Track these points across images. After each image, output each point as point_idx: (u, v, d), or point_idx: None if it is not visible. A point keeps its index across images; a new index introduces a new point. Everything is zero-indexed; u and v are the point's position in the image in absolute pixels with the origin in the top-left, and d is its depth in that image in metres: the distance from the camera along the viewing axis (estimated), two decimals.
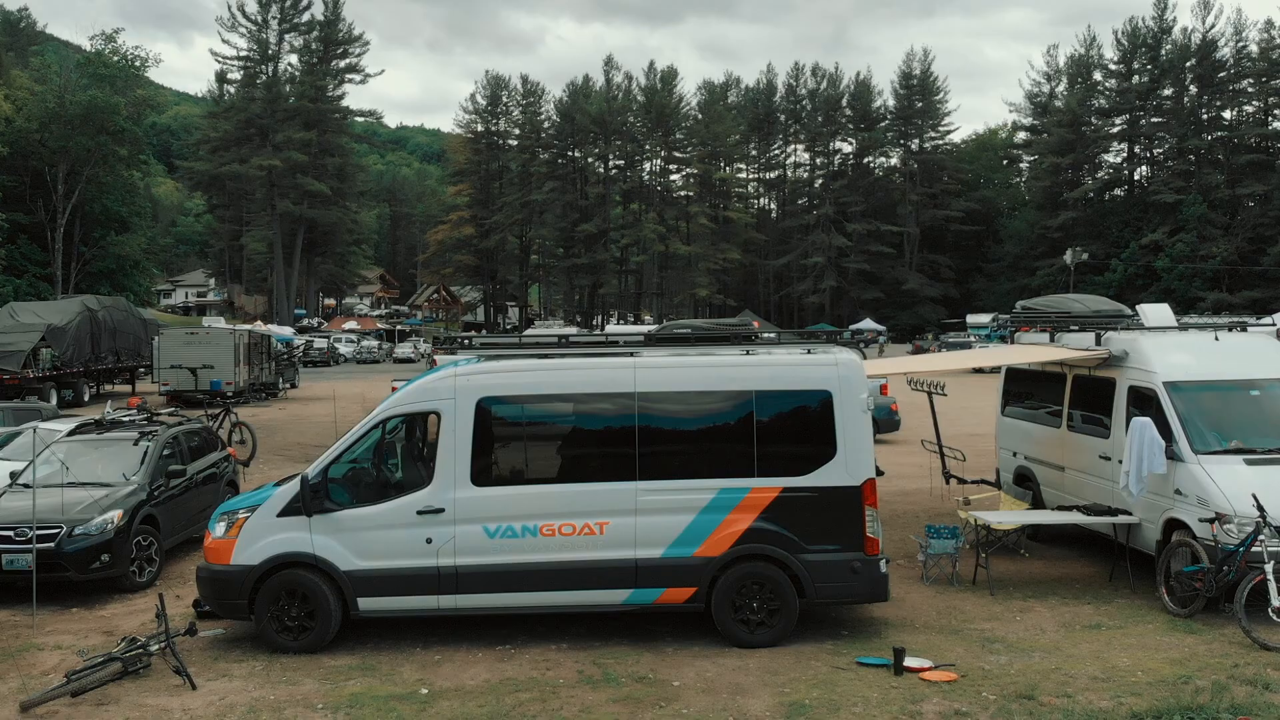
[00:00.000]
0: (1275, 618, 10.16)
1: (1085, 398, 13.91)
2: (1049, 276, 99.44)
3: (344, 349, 76.54)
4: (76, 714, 8.81)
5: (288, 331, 74.75)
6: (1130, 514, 12.46)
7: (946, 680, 9.28)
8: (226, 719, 8.66)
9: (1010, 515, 13.04)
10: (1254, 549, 10.55)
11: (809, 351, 10.67)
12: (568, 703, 8.86)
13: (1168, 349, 12.70)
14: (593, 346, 10.82)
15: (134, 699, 9.13)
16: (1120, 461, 12.58)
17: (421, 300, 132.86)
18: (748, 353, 10.70)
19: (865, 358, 11.17)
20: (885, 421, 27.31)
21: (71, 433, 15.09)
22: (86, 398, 39.73)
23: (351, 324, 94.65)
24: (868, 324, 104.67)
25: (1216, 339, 12.87)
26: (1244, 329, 13.50)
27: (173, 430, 15.14)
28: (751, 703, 8.83)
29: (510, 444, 10.64)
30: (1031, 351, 14.10)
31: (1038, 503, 14.89)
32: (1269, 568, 10.29)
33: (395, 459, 10.80)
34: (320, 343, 74.02)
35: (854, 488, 10.38)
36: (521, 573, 10.30)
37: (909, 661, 9.61)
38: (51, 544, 12.36)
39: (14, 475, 14.22)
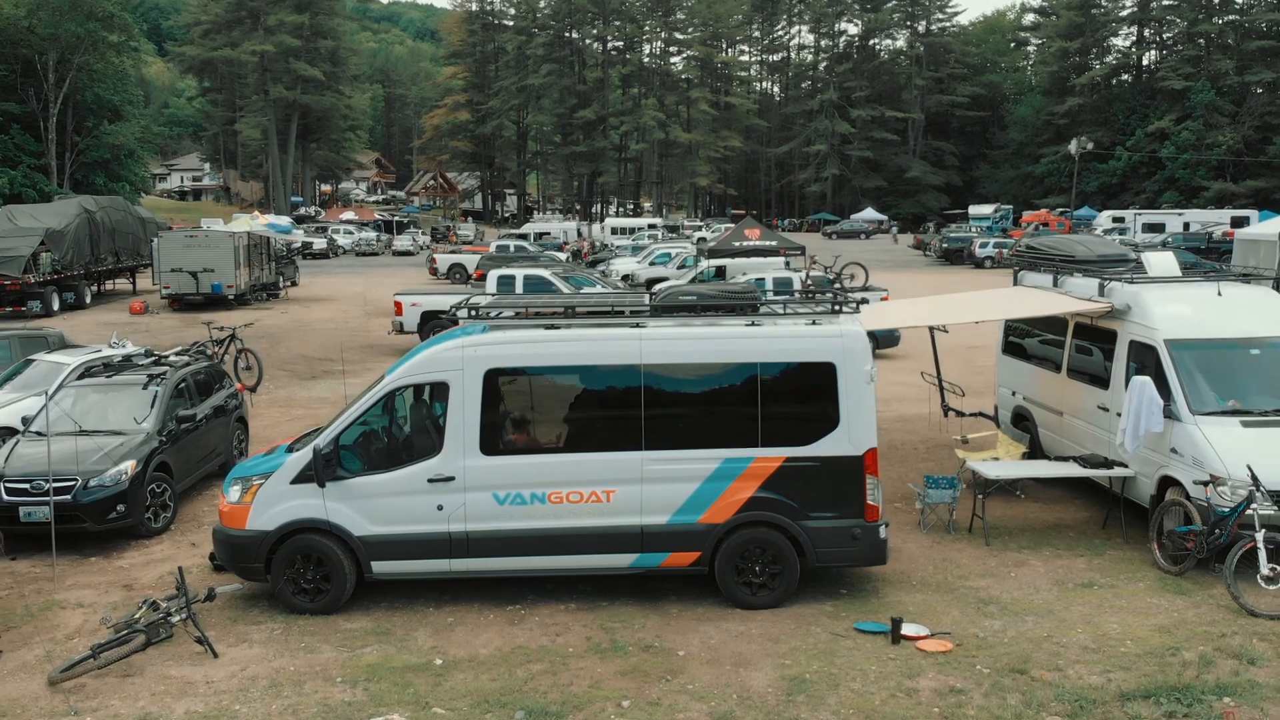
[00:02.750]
0: (1264, 584, 10.46)
1: (1086, 345, 14.02)
2: (1053, 164, 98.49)
3: (342, 240, 76.09)
4: (103, 686, 9.15)
5: (285, 222, 74.34)
6: (1126, 467, 12.69)
7: (942, 650, 9.61)
8: (249, 692, 9.00)
9: (1007, 468, 13.26)
10: (1246, 513, 10.78)
11: (813, 323, 10.72)
12: (578, 675, 9.19)
13: (1170, 304, 12.74)
14: (599, 317, 10.85)
15: (158, 669, 9.48)
16: (1119, 415, 12.77)
17: (418, 188, 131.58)
18: (753, 324, 10.75)
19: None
20: (885, 338, 27.49)
21: (81, 376, 15.20)
22: (88, 299, 39.87)
23: (349, 214, 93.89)
24: (869, 213, 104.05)
25: (1219, 294, 12.89)
26: (1247, 278, 13.51)
27: (180, 372, 15.26)
28: (754, 676, 9.17)
29: (518, 414, 10.79)
30: (1035, 304, 14.13)
31: (1034, 445, 15.13)
32: (1260, 535, 10.54)
33: (406, 427, 10.94)
34: (319, 243, 73.54)
35: (856, 457, 10.57)
36: (531, 538, 10.56)
37: (906, 630, 9.93)
38: (68, 496, 12.62)
39: (25, 420, 14.39)
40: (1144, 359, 12.66)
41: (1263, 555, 10.51)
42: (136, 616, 10.17)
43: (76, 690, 9.09)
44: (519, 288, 28.16)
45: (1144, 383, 12.10)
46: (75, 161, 70.54)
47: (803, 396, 10.63)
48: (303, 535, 10.59)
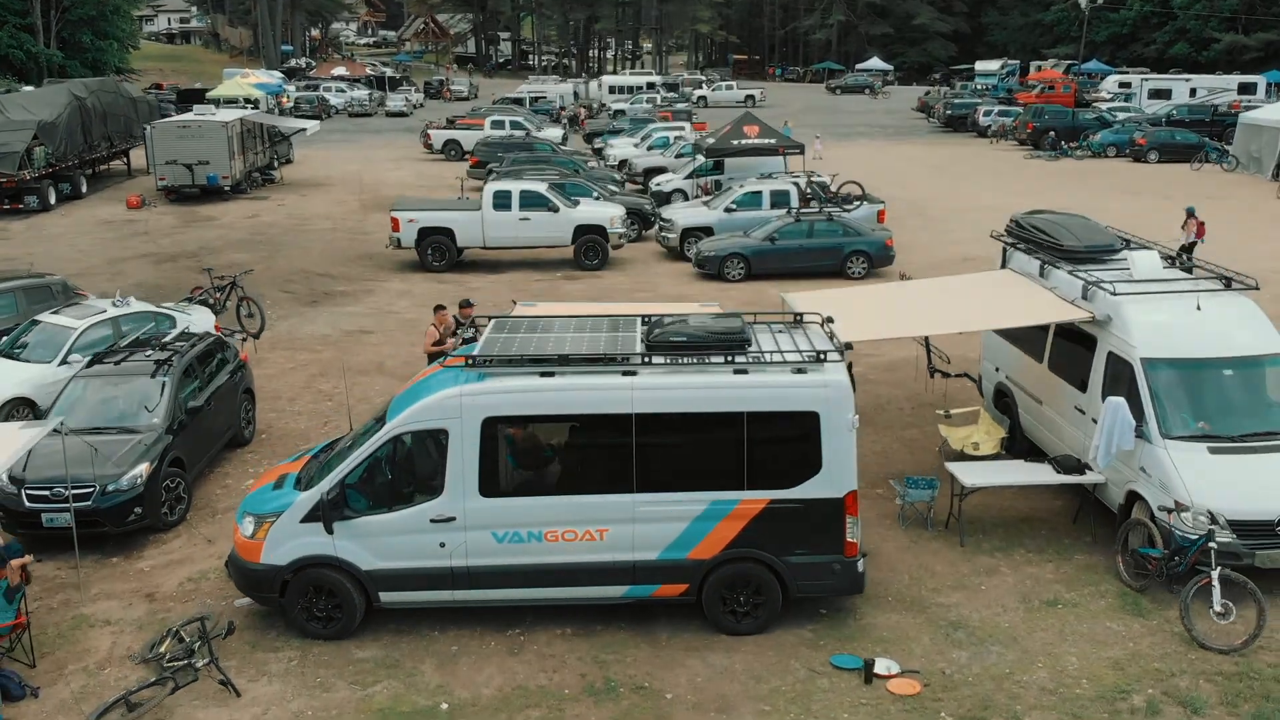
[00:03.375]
0: (1216, 619, 11.18)
1: (1068, 343, 14.37)
2: (1063, 12, 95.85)
3: (334, 100, 74.81)
4: None
5: (275, 81, 72.95)
6: (1099, 474, 13.26)
7: (910, 694, 10.39)
8: None
9: (984, 474, 13.71)
10: (1206, 547, 11.41)
11: (799, 371, 11.09)
12: None
13: (1149, 319, 13.04)
14: (592, 364, 11.18)
15: (186, 711, 10.26)
16: (1094, 421, 13.27)
17: (409, 34, 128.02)
18: (741, 372, 11.12)
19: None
20: (879, 256, 27.72)
21: (90, 363, 15.56)
22: (84, 189, 39.83)
23: (340, 70, 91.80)
24: (875, 63, 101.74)
25: (1198, 307, 13.17)
26: (1228, 285, 13.75)
27: (186, 358, 15.62)
28: None
29: (515, 458, 11.27)
30: (1019, 308, 14.39)
31: (1014, 428, 15.68)
32: (1215, 573, 11.20)
33: (408, 470, 11.42)
34: (309, 94, 72.32)
35: (837, 499, 11.13)
36: (528, 571, 11.24)
37: (878, 668, 10.69)
38: (88, 501, 13.26)
39: (33, 407, 14.84)
40: (1121, 372, 13.07)
41: (1216, 592, 11.19)
42: (162, 650, 10.94)
43: None
44: (514, 204, 28.25)
45: (1119, 404, 12.55)
46: (61, 19, 68.83)
47: (787, 443, 11.10)
48: (314, 569, 11.25)
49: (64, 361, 17.66)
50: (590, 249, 28.81)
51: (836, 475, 11.08)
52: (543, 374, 11.11)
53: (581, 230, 28.77)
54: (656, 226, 31.16)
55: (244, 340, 20.94)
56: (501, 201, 28.52)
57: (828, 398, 10.99)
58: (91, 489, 13.32)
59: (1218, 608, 11.17)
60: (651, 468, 11.08)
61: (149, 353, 15.63)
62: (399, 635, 11.49)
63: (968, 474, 13.58)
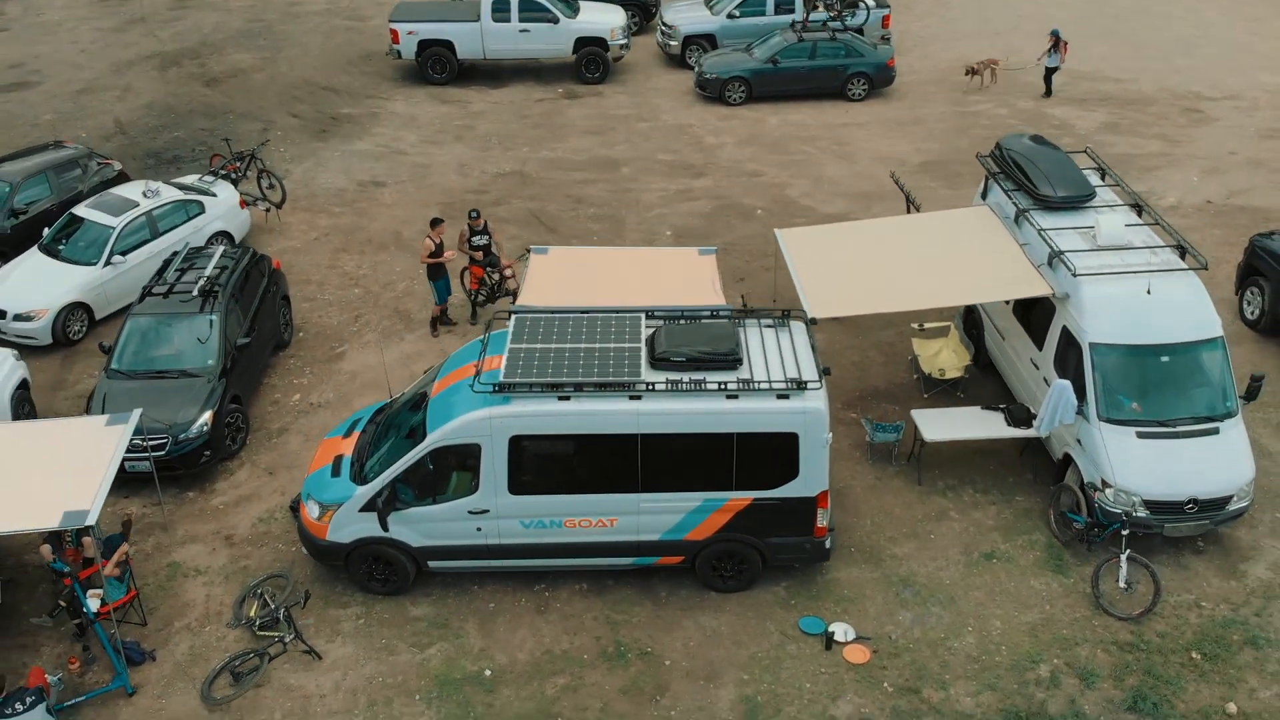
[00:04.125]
0: (1121, 591, 13.54)
1: (1031, 299, 15.80)
2: None
3: None
4: (244, 703, 12.51)
5: None
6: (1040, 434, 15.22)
7: (861, 662, 12.91)
8: (353, 713, 12.39)
9: (944, 429, 15.46)
10: (1121, 533, 13.60)
11: (783, 396, 12.77)
12: (591, 695, 12.53)
13: (1101, 306, 14.47)
14: (602, 390, 12.82)
15: (281, 678, 12.80)
16: (1045, 380, 15.10)
17: None
18: (733, 397, 12.80)
19: None
20: (879, 78, 28.06)
21: (141, 298, 16.97)
22: None
23: None
24: None
25: (1149, 292, 14.58)
26: (1182, 252, 15.07)
27: (228, 292, 16.98)
28: (720, 695, 12.53)
29: (537, 465, 13.16)
30: (988, 285, 15.62)
31: (979, 356, 17.43)
32: (1124, 556, 13.46)
33: (448, 473, 13.31)
34: None
35: (810, 498, 13.18)
36: (550, 546, 13.49)
37: (836, 633, 13.15)
38: (162, 451, 15.27)
39: (104, 348, 16.47)
40: (1071, 348, 14.70)
41: (1123, 571, 13.50)
42: (251, 615, 13.38)
43: (223, 702, 12.47)
44: (514, 14, 28.19)
45: (1065, 387, 14.31)
46: None
47: (770, 454, 12.98)
48: (372, 545, 13.47)
49: (108, 262, 19.10)
50: (591, 61, 29.00)
51: (811, 480, 13.06)
52: (560, 398, 12.82)
53: (582, 42, 28.84)
54: (659, 31, 30.99)
55: (267, 210, 22.17)
56: (501, 12, 28.42)
57: (805, 421, 12.77)
58: (165, 440, 15.29)
59: (1122, 584, 13.52)
60: (653, 472, 13.03)
61: (196, 286, 16.92)
62: (446, 592, 13.89)
63: (929, 426, 15.50)
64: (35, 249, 19.60)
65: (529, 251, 16.74)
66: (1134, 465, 13.87)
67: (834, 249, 16.46)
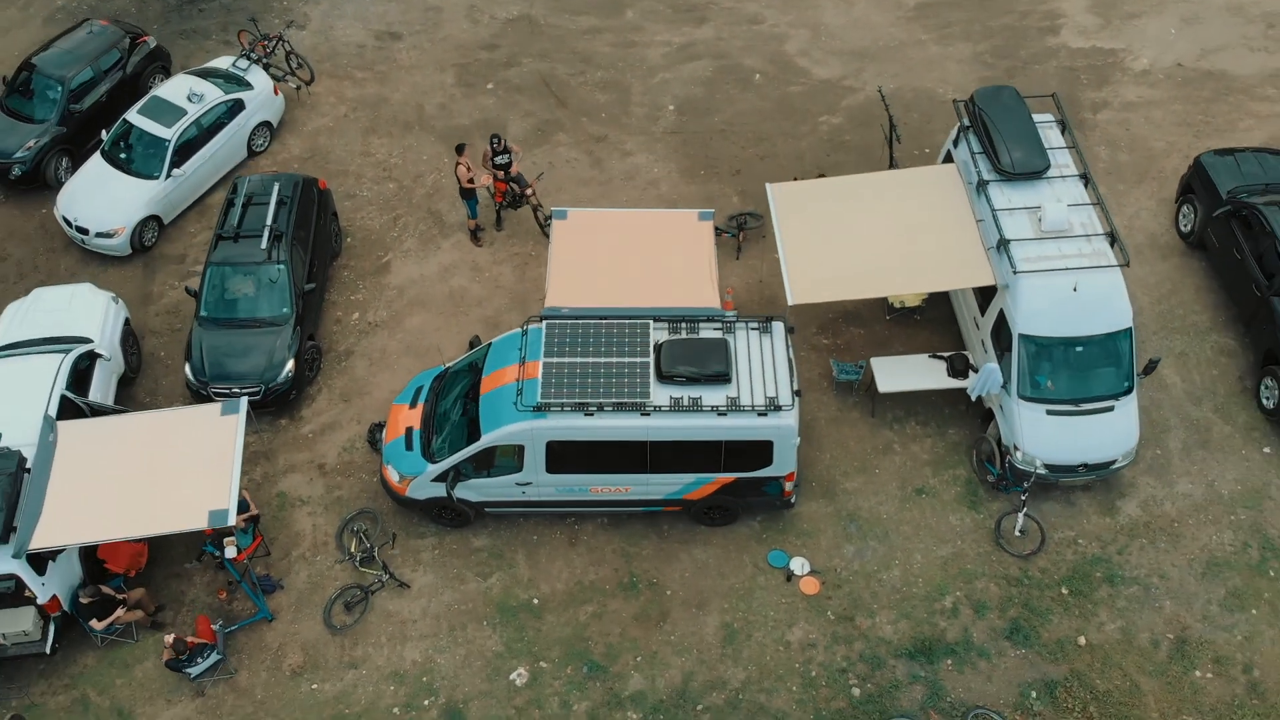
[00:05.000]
0: (1018, 535, 17.65)
1: None
2: None
3: None
4: (359, 629, 17.01)
5: None
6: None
7: (812, 594, 17.28)
8: (439, 638, 16.88)
9: (897, 380, 18.76)
10: (1021, 497, 17.49)
11: (761, 414, 16.15)
12: (612, 622, 17.00)
13: (1033, 302, 17.33)
14: (620, 409, 16.14)
15: (381, 605, 17.21)
16: (983, 343, 18.37)
17: None
18: (723, 415, 16.18)
19: None
20: None
21: (214, 244, 19.53)
22: None
23: None
24: None
25: (1075, 289, 17.40)
26: (1113, 241, 17.72)
27: (290, 233, 19.53)
28: (707, 621, 17.02)
29: (568, 457, 16.73)
30: (941, 277, 18.18)
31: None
32: (1020, 514, 17.45)
33: (499, 458, 16.88)
34: None
35: (780, 476, 16.96)
36: (579, 501, 17.49)
37: (794, 568, 17.43)
38: (257, 396, 18.73)
39: (190, 290, 19.35)
40: (1004, 327, 17.77)
41: (1019, 522, 17.54)
42: (353, 551, 17.57)
43: (342, 630, 16.96)
44: None
45: (993, 369, 17.58)
46: None
47: (750, 452, 16.58)
48: (442, 500, 17.40)
49: (169, 175, 21.40)
50: None
51: (782, 465, 16.78)
52: (585, 414, 16.21)
53: None
54: None
55: (298, 87, 23.86)
56: None
57: (779, 432, 16.29)
58: (258, 388, 18.71)
59: (1018, 531, 17.63)
60: (658, 461, 16.70)
61: (263, 237, 19.43)
62: (499, 526, 18.00)
63: (884, 378, 18.83)
64: (99, 157, 21.70)
65: (550, 220, 19.18)
66: (1041, 437, 17.48)
67: (817, 214, 18.78)
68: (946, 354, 19.09)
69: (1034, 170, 18.53)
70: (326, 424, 19.34)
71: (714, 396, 16.35)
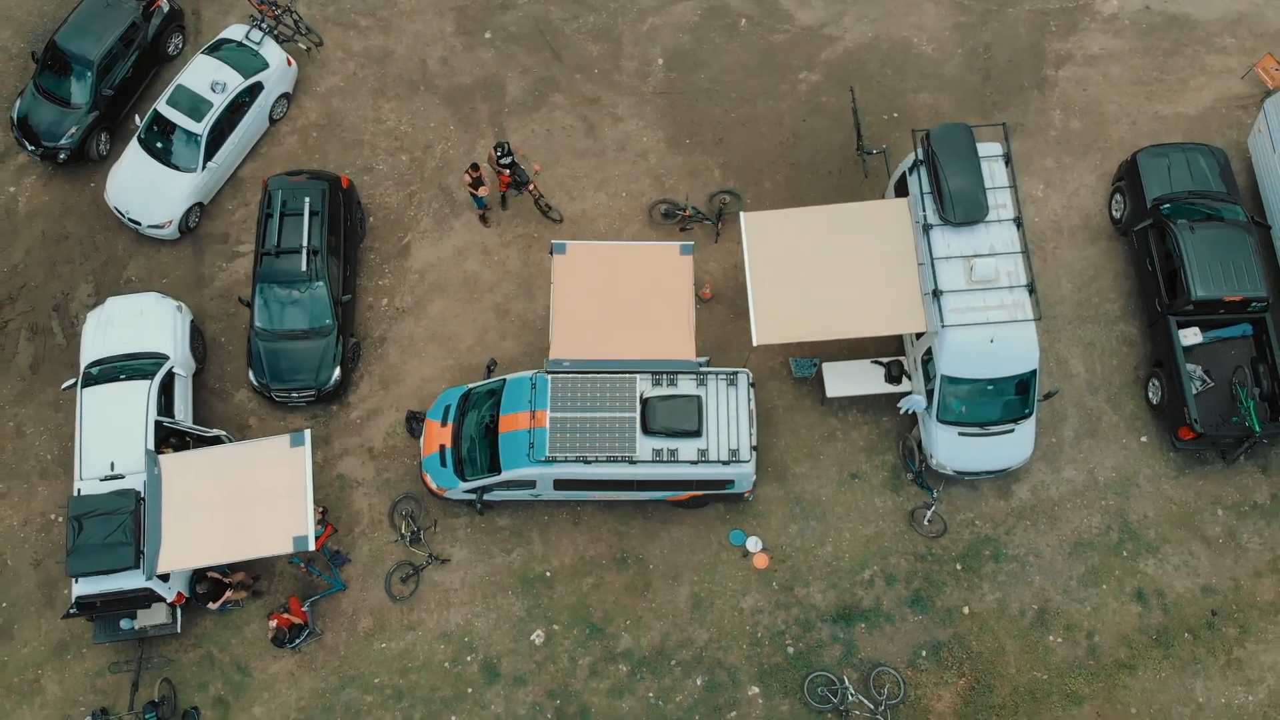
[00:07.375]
0: (926, 522, 22.25)
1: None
2: None
3: None
4: (417, 597, 22.09)
5: None
6: (909, 391, 22.42)
7: (762, 569, 22.19)
8: (475, 605, 22.01)
9: (843, 383, 22.32)
10: (933, 497, 21.89)
11: (725, 464, 20.24)
12: (607, 591, 22.03)
13: (955, 352, 20.73)
14: (611, 460, 20.15)
15: (429, 577, 22.18)
16: (918, 359, 22.03)
17: None
18: (694, 464, 20.25)
19: None
20: None
21: (258, 260, 22.38)
22: None
23: None
24: None
25: (991, 341, 20.76)
26: (1032, 290, 20.86)
27: (325, 247, 22.39)
28: (680, 592, 22.08)
29: (571, 484, 20.95)
30: (885, 322, 21.08)
31: None
32: (929, 510, 21.97)
33: (518, 485, 21.12)
34: None
35: (741, 491, 21.34)
36: (580, 501, 22.02)
37: (749, 546, 22.23)
38: (310, 395, 22.58)
39: (243, 301, 22.58)
40: (929, 362, 21.35)
41: (930, 512, 22.08)
42: (403, 532, 22.28)
43: (401, 600, 22.06)
44: None
45: (919, 400, 21.41)
46: None
47: (717, 484, 20.85)
48: (473, 503, 21.92)
49: (204, 167, 23.80)
50: None
51: (741, 487, 21.13)
52: (585, 462, 20.32)
53: None
54: None
55: (308, 49, 25.35)
56: None
57: (739, 475, 20.52)
58: (312, 390, 22.53)
59: (927, 521, 22.24)
60: (644, 486, 21.03)
61: (301, 255, 22.29)
62: (517, 508, 22.59)
63: (832, 382, 22.53)
64: (137, 145, 23.81)
65: (551, 253, 21.94)
66: (954, 452, 21.64)
67: (783, 248, 21.53)
68: (886, 359, 22.70)
69: (972, 220, 21.16)
70: (371, 410, 23.31)
71: (688, 450, 20.40)
